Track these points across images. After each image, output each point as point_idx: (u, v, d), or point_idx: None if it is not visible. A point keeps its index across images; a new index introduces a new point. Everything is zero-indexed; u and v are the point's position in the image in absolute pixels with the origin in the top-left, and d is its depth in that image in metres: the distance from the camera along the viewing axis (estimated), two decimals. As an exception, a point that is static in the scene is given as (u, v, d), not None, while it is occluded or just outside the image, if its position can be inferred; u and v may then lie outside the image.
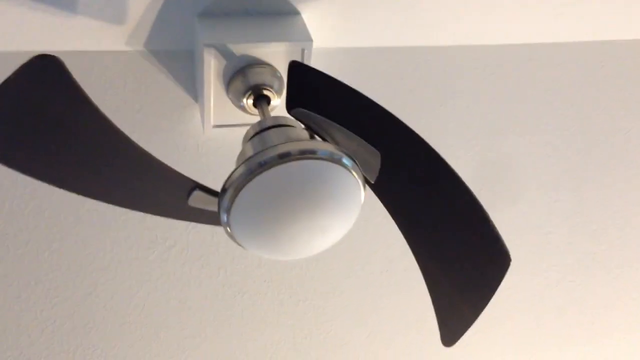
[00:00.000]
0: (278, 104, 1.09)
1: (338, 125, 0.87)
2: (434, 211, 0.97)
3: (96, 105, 0.74)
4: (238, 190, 0.83)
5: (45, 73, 0.69)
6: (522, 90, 1.37)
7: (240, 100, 1.07)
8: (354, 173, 0.85)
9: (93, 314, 1.47)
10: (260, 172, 0.82)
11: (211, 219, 0.94)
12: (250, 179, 0.82)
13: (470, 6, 1.18)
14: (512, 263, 0.95)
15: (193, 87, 1.20)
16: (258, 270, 1.50)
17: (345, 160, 0.84)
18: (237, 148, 1.23)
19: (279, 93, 1.08)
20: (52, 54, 0.69)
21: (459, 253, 1.00)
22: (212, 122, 1.14)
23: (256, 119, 1.05)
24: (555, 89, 1.39)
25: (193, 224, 1.35)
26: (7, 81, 0.68)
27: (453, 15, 1.19)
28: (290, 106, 0.93)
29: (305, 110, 0.88)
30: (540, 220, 1.60)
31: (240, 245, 0.88)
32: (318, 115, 0.87)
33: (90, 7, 1.03)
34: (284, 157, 0.82)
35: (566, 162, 1.51)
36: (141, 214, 1.32)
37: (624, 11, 1.27)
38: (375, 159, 0.88)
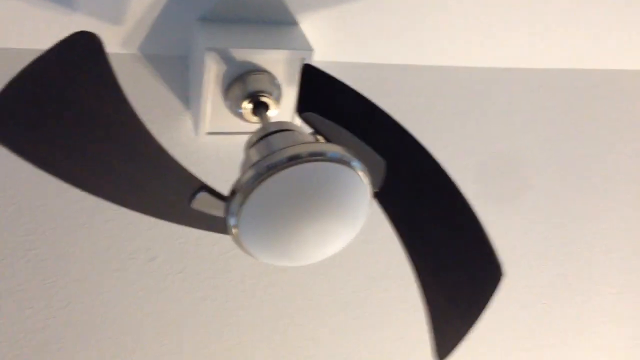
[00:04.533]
0: (276, 115, 1.08)
1: (346, 131, 0.86)
2: (434, 223, 0.97)
3: (124, 92, 0.73)
4: (247, 193, 0.81)
5: (83, 49, 0.67)
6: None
7: (238, 107, 1.06)
8: (362, 176, 0.85)
9: (65, 329, 1.41)
10: (270, 175, 0.80)
11: (211, 224, 0.91)
12: (260, 183, 0.81)
13: (464, 28, 1.21)
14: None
15: (185, 94, 1.18)
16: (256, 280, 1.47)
17: (355, 163, 0.84)
18: (230, 156, 1.21)
19: (277, 101, 1.08)
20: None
21: (455, 264, 1.00)
22: (207, 129, 1.12)
23: (251, 127, 1.04)
24: (541, 111, 1.43)
25: (178, 234, 1.32)
26: (42, 56, 0.66)
27: (444, 37, 1.22)
28: (300, 109, 0.92)
29: (316, 115, 0.87)
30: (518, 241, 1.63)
31: (246, 251, 0.86)
32: (328, 120, 0.87)
33: (88, 7, 1.01)
34: (294, 160, 0.81)
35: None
36: (125, 222, 1.28)
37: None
38: (380, 167, 0.88)
